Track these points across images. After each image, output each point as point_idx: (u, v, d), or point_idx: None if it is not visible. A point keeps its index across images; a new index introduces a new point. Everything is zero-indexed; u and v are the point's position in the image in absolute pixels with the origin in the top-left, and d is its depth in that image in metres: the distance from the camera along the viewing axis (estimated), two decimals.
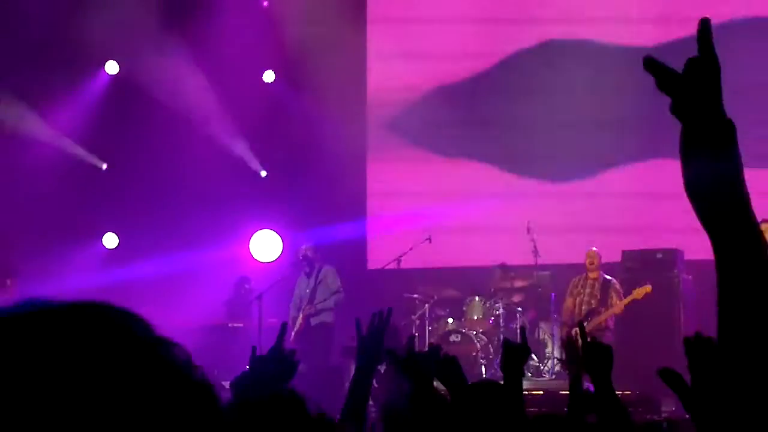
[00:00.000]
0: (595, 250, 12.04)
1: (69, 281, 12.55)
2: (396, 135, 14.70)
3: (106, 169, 14.57)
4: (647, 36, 13.68)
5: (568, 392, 6.80)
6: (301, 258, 12.43)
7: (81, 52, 13.62)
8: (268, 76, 14.72)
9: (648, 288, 11.54)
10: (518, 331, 11.54)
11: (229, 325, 12.87)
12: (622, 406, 4.09)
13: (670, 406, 8.72)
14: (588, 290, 12.13)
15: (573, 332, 10.49)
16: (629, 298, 11.66)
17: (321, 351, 11.66)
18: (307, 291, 12.34)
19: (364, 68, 15.02)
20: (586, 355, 4.19)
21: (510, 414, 3.92)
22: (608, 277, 12.06)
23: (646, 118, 12.58)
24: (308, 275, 12.37)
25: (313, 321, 12.16)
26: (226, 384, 9.31)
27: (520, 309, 12.72)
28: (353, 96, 14.51)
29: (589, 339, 4.55)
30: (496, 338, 12.48)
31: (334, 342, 11.90)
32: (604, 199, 12.99)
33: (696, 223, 2.89)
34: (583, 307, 12.11)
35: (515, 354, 4.41)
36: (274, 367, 4.26)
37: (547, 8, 14.49)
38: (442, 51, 14.67)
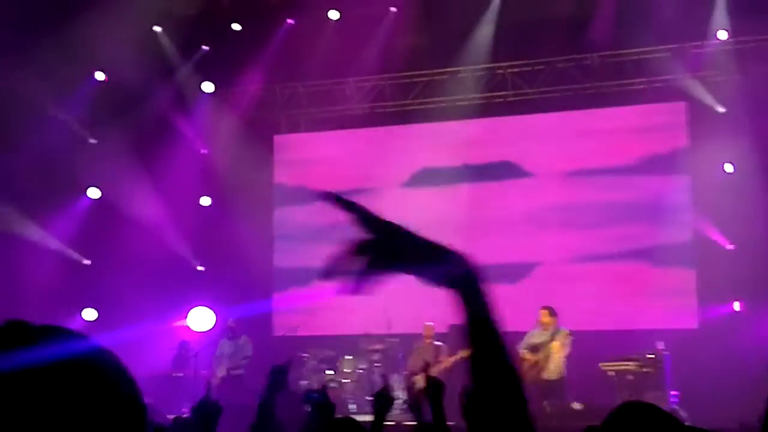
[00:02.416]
0: (430, 324, 13.19)
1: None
2: (292, 243, 15.81)
3: (89, 264, 15.68)
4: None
5: (414, 423, 10.23)
6: (227, 327, 13.93)
7: (70, 181, 15.09)
8: (205, 200, 16.14)
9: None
10: (380, 379, 10.99)
11: (173, 374, 13.78)
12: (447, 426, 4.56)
13: None
14: (425, 351, 13.11)
15: (414, 379, 12.24)
16: (457, 356, 12.48)
17: (237, 394, 12.07)
18: (230, 351, 13.76)
19: (271, 197, 16.37)
20: (427, 387, 4.75)
21: None
22: (438, 342, 13.24)
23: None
24: (230, 339, 13.88)
25: (233, 372, 13.56)
26: (170, 416, 11.88)
27: (377, 364, 13.87)
28: (263, 216, 16.10)
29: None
30: (361, 385, 13.80)
31: (246, 387, 12.50)
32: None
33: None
34: (423, 360, 12.06)
35: (383, 400, 5.09)
36: (202, 414, 4.96)
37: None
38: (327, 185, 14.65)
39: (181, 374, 13.76)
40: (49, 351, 1.19)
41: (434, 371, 12.40)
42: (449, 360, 13.04)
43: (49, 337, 1.23)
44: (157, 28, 15.75)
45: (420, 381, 13.14)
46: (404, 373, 13.41)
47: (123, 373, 1.24)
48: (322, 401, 5.14)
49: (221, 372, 13.59)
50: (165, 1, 15.25)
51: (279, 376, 5.09)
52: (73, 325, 14.12)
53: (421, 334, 13.54)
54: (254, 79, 15.87)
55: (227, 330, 13.99)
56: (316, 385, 12.01)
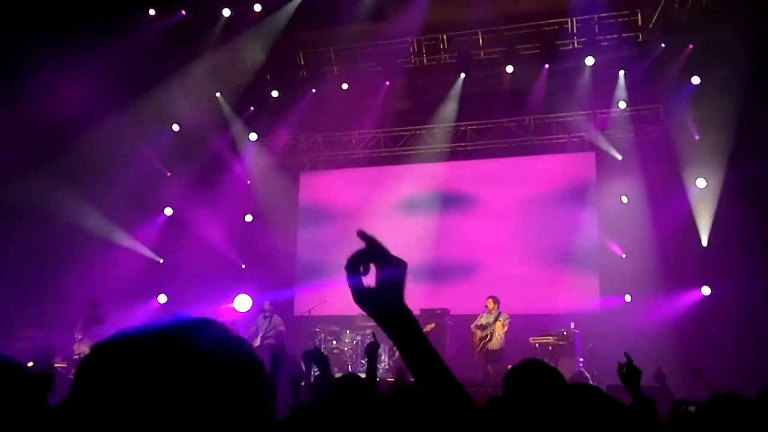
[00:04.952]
0: None
1: (133, 324, 14.20)
2: (311, 249, 15.84)
3: (163, 262, 15.52)
4: None
5: (392, 379, 9.36)
6: (264, 308, 13.67)
7: (152, 202, 15.21)
8: (248, 217, 16.15)
9: (432, 326, 12.71)
10: (371, 336, 13.30)
11: None
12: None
13: None
14: None
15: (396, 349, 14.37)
16: (426, 328, 12.09)
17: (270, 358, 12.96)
18: (265, 326, 13.48)
19: (296, 217, 16.34)
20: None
21: (369, 388, 4.42)
22: None
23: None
24: (265, 317, 13.56)
25: (266, 342, 13.06)
26: None
27: (369, 337, 14.35)
28: (291, 229, 16.09)
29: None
30: (357, 352, 13.90)
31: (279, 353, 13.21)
32: None
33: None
34: None
35: (373, 347, 4.78)
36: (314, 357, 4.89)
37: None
38: (337, 208, 15.75)
39: None
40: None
41: None
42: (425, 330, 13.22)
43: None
44: (218, 94, 15.86)
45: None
46: (390, 344, 12.78)
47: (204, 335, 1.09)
48: (316, 353, 4.95)
49: (257, 342, 13.25)
50: (224, 74, 15.38)
51: (313, 358, 4.94)
52: (150, 306, 13.97)
53: None
54: (286, 131, 15.98)
55: (263, 310, 13.74)
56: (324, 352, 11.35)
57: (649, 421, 3.33)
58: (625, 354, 3.92)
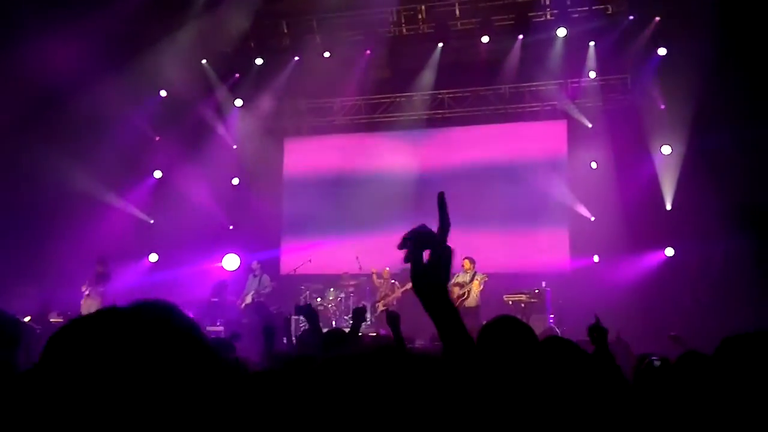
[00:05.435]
0: (387, 268, 13.40)
1: (127, 281, 13.36)
2: (296, 212, 15.84)
3: (153, 223, 15.46)
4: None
5: (374, 334, 9.89)
6: (253, 268, 13.76)
7: (141, 165, 15.07)
8: (235, 181, 16.19)
9: (409, 285, 13.11)
10: (360, 304, 10.95)
11: (211, 300, 13.60)
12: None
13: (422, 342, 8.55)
14: (384, 286, 13.49)
15: (378, 305, 13.04)
16: (404, 288, 12.79)
17: (259, 314, 11.95)
18: (255, 285, 13.55)
19: (281, 180, 16.31)
20: (387, 318, 4.47)
21: (353, 341, 4.45)
22: (393, 281, 13.32)
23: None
24: (255, 277, 13.67)
25: (256, 299, 13.17)
26: (209, 328, 12.19)
27: (352, 295, 14.02)
28: (275, 192, 16.06)
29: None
30: (341, 309, 13.95)
31: (266, 309, 12.28)
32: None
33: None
34: (384, 292, 13.40)
35: (360, 313, 4.90)
36: (306, 311, 4.85)
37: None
38: (319, 171, 15.76)
39: (216, 300, 13.78)
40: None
41: (390, 300, 13.03)
42: (399, 291, 13.19)
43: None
44: (204, 61, 15.64)
45: (381, 306, 13.85)
46: (372, 301, 13.59)
47: (172, 313, 1.13)
48: (307, 309, 4.98)
49: (248, 299, 13.45)
50: (210, 42, 15.11)
51: (304, 312, 5.00)
52: (141, 265, 14.00)
53: (381, 275, 13.72)
54: (270, 97, 15.77)
55: (252, 270, 13.76)
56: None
57: (610, 369, 3.42)
58: (595, 316, 4.05)
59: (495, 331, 2.98)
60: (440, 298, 1.62)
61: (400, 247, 1.58)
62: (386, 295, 13.32)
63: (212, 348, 1.10)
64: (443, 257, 1.60)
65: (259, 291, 13.50)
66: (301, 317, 10.05)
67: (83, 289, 11.96)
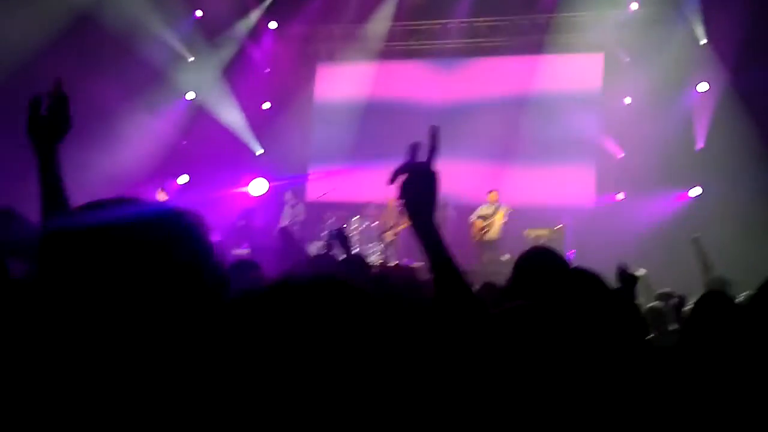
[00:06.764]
0: (393, 199, 12.38)
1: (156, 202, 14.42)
2: (324, 137, 16.04)
3: (185, 143, 15.42)
4: None
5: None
6: (287, 199, 14.24)
7: (174, 86, 14.86)
8: (266, 105, 16.18)
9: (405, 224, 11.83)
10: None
11: (238, 223, 13.94)
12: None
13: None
14: (390, 214, 13.44)
15: (385, 235, 13.35)
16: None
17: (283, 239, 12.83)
18: (291, 213, 14.14)
19: (311, 106, 16.41)
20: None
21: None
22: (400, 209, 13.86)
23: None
24: (291, 207, 14.29)
25: (290, 228, 12.60)
26: (235, 251, 12.61)
27: (376, 223, 13.95)
28: (306, 118, 16.12)
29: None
30: (363, 237, 13.94)
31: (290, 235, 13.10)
32: None
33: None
34: (392, 222, 13.40)
35: (341, 236, 5.02)
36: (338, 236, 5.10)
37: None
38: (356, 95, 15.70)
39: (243, 222, 14.13)
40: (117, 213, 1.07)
41: (399, 230, 13.11)
42: (406, 222, 13.51)
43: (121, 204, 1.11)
44: None
45: (389, 236, 14.06)
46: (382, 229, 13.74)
47: (180, 239, 1.09)
48: (340, 232, 5.20)
49: (284, 223, 13.61)
50: None
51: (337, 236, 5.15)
52: (172, 185, 14.15)
53: (387, 205, 13.69)
54: (304, 20, 15.68)
55: (287, 201, 14.18)
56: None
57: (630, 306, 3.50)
58: (620, 266, 4.10)
59: (534, 262, 2.96)
60: (427, 228, 1.75)
61: (391, 181, 1.73)
62: (395, 225, 13.37)
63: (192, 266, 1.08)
64: (429, 184, 1.74)
65: (294, 220, 13.84)
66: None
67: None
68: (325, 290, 1.12)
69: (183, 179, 15.46)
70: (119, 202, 1.10)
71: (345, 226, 13.22)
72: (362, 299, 1.13)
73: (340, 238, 5.07)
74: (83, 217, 1.06)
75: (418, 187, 1.72)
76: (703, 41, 13.08)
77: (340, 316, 1.09)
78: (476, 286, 4.41)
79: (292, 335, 1.07)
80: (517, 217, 12.67)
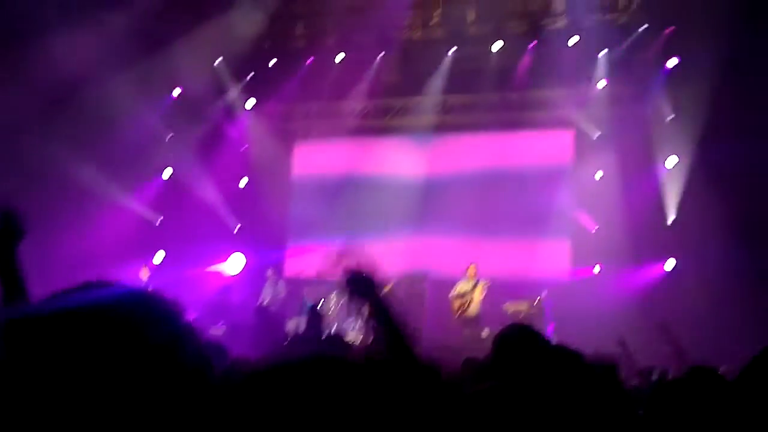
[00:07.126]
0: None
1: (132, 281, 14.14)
2: (302, 216, 15.90)
3: (161, 221, 15.69)
4: None
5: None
6: (268, 276, 14.17)
7: (151, 163, 15.08)
8: (243, 181, 16.37)
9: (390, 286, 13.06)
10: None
11: (215, 301, 13.82)
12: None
13: None
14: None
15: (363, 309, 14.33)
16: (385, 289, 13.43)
17: (260, 316, 11.99)
18: (271, 291, 13.94)
19: (290, 182, 16.45)
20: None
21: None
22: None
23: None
24: (271, 283, 14.10)
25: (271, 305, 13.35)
26: (213, 330, 12.32)
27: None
28: (284, 194, 16.14)
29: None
30: (341, 314, 13.34)
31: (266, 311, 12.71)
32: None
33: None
34: None
35: (315, 312, 5.47)
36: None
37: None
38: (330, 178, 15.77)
39: (220, 299, 14.09)
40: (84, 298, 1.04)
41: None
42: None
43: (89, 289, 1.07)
44: (218, 61, 15.89)
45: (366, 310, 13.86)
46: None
47: (154, 321, 1.05)
48: (315, 308, 5.28)
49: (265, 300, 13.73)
50: (224, 42, 15.28)
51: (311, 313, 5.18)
52: (148, 262, 13.88)
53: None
54: (281, 98, 15.91)
55: (268, 277, 14.10)
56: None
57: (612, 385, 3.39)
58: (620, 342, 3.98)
59: (512, 342, 3.01)
60: (377, 305, 2.28)
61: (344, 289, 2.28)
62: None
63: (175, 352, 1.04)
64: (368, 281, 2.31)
65: (275, 297, 13.75)
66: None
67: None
68: (329, 370, 1.12)
69: (159, 256, 15.40)
70: (86, 287, 1.07)
71: (321, 303, 13.40)
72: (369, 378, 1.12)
73: (314, 316, 5.15)
74: (48, 303, 1.03)
75: (359, 281, 2.17)
76: (670, 117, 13.41)
77: (354, 398, 1.07)
78: (457, 363, 4.53)
79: (304, 421, 1.03)
80: (496, 289, 12.72)
